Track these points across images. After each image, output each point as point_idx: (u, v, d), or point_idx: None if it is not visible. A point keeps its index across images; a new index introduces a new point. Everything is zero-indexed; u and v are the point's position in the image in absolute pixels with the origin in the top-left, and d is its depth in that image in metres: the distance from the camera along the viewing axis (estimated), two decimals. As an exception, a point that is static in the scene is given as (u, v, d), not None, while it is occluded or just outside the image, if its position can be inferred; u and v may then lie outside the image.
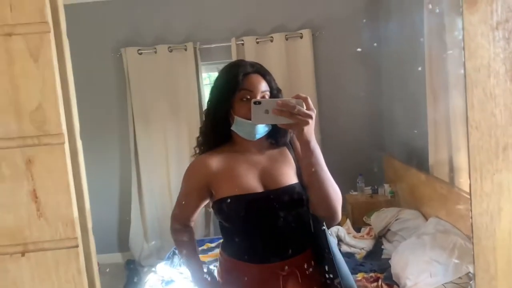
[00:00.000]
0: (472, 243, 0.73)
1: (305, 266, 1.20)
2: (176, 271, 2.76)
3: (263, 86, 1.19)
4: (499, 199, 0.73)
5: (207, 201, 1.30)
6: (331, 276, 1.18)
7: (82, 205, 0.69)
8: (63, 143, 0.65)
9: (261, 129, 1.19)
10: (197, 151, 1.31)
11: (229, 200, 1.17)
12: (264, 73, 1.22)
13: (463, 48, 0.70)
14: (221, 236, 1.31)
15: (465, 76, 0.71)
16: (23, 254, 0.66)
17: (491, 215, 0.73)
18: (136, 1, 3.82)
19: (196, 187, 1.26)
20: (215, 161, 1.23)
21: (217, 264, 1.35)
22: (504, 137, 0.72)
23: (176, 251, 1.59)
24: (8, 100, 0.62)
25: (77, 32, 3.50)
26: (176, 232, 1.37)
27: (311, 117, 1.04)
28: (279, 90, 1.25)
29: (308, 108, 1.04)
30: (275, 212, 1.18)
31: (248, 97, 1.17)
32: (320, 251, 1.21)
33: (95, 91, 3.69)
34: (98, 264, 0.77)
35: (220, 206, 1.20)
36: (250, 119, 1.10)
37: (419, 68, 2.78)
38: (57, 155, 0.65)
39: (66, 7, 0.68)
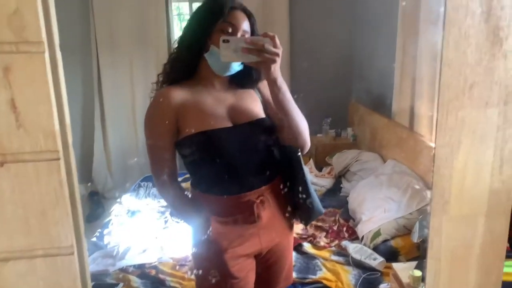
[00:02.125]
0: (432, 171, 0.80)
1: (277, 191, 1.26)
2: (142, 202, 2.81)
3: (246, 25, 1.18)
4: (460, 133, 0.79)
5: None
6: (304, 196, 1.25)
7: (62, 118, 0.68)
8: (43, 52, 0.63)
9: (234, 66, 1.18)
10: (160, 80, 1.25)
11: (198, 136, 1.16)
12: (250, 14, 1.21)
13: (446, -14, 0.72)
14: (185, 171, 1.28)
15: (444, 15, 0.73)
16: (1, 164, 0.66)
17: (452, 148, 0.79)
18: None
19: (163, 124, 1.19)
20: (179, 95, 1.19)
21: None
22: (472, 75, 0.76)
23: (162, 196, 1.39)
24: (-17, 2, 0.59)
25: None
26: (164, 189, 1.27)
27: (278, 55, 1.06)
28: (258, 35, 1.21)
29: (275, 47, 1.06)
30: (245, 146, 1.21)
31: (230, 30, 1.15)
32: (292, 176, 1.27)
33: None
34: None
35: (187, 143, 1.18)
36: None
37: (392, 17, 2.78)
38: (37, 64, 0.63)
39: None
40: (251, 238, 1.24)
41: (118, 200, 2.90)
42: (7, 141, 0.65)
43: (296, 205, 1.30)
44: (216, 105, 1.21)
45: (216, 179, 1.22)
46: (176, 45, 1.24)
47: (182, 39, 1.23)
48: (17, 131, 0.65)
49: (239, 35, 1.15)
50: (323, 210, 1.34)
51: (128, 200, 2.82)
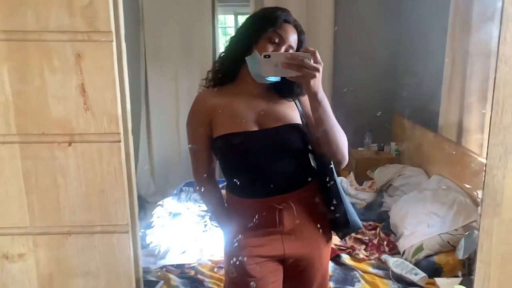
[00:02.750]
0: (485, 171, 0.78)
1: (307, 199, 1.26)
2: (183, 206, 2.88)
3: (294, 40, 1.20)
4: (515, 132, 0.77)
5: None
6: (338, 208, 1.25)
7: (124, 104, 0.74)
8: (112, 41, 0.69)
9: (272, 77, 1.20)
10: (205, 84, 1.31)
11: (221, 138, 1.20)
12: (301, 32, 1.24)
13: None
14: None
15: (502, 10, 0.72)
16: (69, 144, 0.72)
17: (506, 147, 0.77)
18: None
19: (199, 124, 1.25)
20: (215, 99, 1.24)
21: None
22: (530, 73, 0.74)
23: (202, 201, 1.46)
24: (62, -6, 0.65)
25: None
26: (202, 193, 1.34)
27: (318, 70, 1.07)
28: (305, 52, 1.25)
29: (316, 62, 1.07)
30: (269, 150, 1.22)
31: (277, 40, 1.18)
32: (325, 186, 1.27)
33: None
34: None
35: (215, 145, 1.23)
36: None
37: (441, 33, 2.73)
38: (105, 52, 0.69)
39: None
40: (272, 242, 1.24)
41: (161, 203, 2.98)
42: (76, 123, 0.71)
43: (331, 216, 1.29)
44: (247, 109, 1.23)
45: (240, 182, 1.24)
46: (226, 46, 1.29)
47: (230, 42, 1.28)
48: (85, 114, 0.71)
49: (284, 47, 1.18)
50: (361, 225, 1.33)
51: (170, 204, 2.90)
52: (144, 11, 3.77)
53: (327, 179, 1.26)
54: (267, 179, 1.23)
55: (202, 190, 1.31)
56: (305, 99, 1.27)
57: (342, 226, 1.29)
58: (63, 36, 0.67)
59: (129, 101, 0.75)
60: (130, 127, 0.76)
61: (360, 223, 1.31)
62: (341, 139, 1.21)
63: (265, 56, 1.10)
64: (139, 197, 3.93)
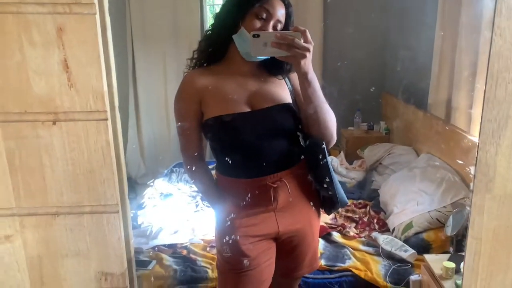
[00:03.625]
0: (478, 146, 0.78)
1: (298, 177, 1.26)
2: (174, 186, 2.87)
3: (281, 14, 1.17)
4: (508, 107, 0.76)
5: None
6: (327, 185, 1.24)
7: (110, 80, 0.71)
8: (95, 13, 0.66)
9: None
10: (191, 64, 1.28)
11: (214, 121, 1.19)
12: (288, 5, 1.20)
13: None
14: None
15: (497, -18, 0.71)
16: (54, 122, 0.69)
17: (499, 122, 0.77)
18: None
19: (188, 106, 1.23)
20: (203, 79, 1.22)
21: None
22: (525, 47, 0.73)
23: (192, 182, 1.45)
24: (41, -38, 0.61)
25: None
26: (190, 168, 1.31)
27: (308, 50, 1.05)
28: (292, 26, 1.21)
29: (306, 41, 1.05)
30: (261, 130, 1.21)
31: (264, 16, 1.15)
32: (315, 164, 1.26)
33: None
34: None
35: (207, 126, 1.22)
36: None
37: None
38: (88, 25, 0.66)
39: None
40: (267, 220, 1.24)
41: (151, 183, 2.97)
42: (59, 100, 0.68)
43: (319, 193, 1.29)
44: (238, 89, 1.21)
45: (233, 162, 1.23)
46: (211, 23, 1.24)
47: (216, 19, 1.24)
48: (69, 91, 0.68)
49: (272, 23, 1.15)
50: (347, 201, 1.34)
51: (160, 184, 2.89)
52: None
53: (320, 157, 1.25)
54: (259, 159, 1.22)
55: (193, 169, 1.30)
56: (295, 76, 1.25)
57: (331, 202, 1.30)
58: (42, 9, 0.64)
59: (115, 77, 0.73)
60: (117, 104, 0.74)
61: (346, 199, 1.32)
62: (330, 119, 1.20)
63: (254, 36, 1.08)
64: (130, 179, 3.91)
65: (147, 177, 3.89)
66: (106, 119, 0.70)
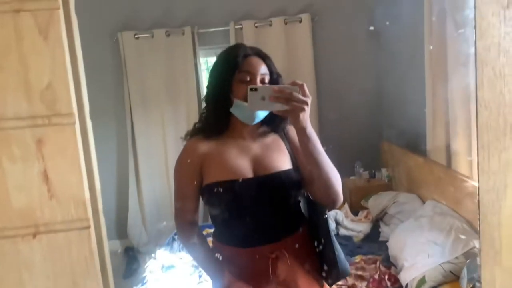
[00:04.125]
0: (479, 220, 0.74)
1: (300, 246, 1.22)
2: (176, 256, 2.78)
3: (263, 68, 1.18)
4: (505, 176, 0.73)
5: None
6: (329, 254, 1.21)
7: (92, 185, 0.69)
8: (74, 123, 0.65)
9: (260, 113, 1.18)
10: (188, 135, 1.29)
11: (216, 186, 1.17)
12: (264, 57, 1.21)
13: (474, 27, 0.70)
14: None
15: (475, 55, 0.71)
16: (34, 235, 0.66)
17: (497, 192, 0.74)
18: (131, -15, 3.75)
19: (189, 172, 1.23)
20: (205, 145, 1.23)
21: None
22: (512, 115, 0.72)
23: (186, 251, 1.45)
24: (18, 79, 0.62)
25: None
26: (184, 236, 1.30)
27: (306, 103, 1.05)
28: (279, 75, 1.23)
29: (304, 95, 1.05)
30: (262, 198, 1.19)
31: (248, 79, 1.16)
32: (316, 232, 1.23)
33: (91, 75, 3.59)
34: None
35: (207, 192, 1.20)
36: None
37: (418, 56, 2.77)
38: (68, 135, 0.65)
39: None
40: None
41: (153, 255, 2.88)
42: (40, 212, 0.66)
43: (321, 262, 1.25)
44: (240, 154, 1.21)
45: (232, 230, 1.21)
46: (204, 104, 1.26)
47: (207, 98, 1.25)
48: (49, 202, 0.66)
49: (258, 80, 1.16)
50: (349, 270, 1.28)
51: (162, 255, 2.80)
52: (127, 60, 3.77)
53: (322, 227, 1.22)
54: (259, 227, 1.19)
55: (189, 240, 1.27)
56: (292, 130, 1.26)
57: (333, 272, 1.24)
58: (22, 123, 0.63)
59: (99, 181, 0.71)
60: (101, 209, 0.71)
61: (348, 269, 1.27)
62: (334, 175, 1.16)
63: (251, 89, 1.07)
64: (132, 249, 3.82)
65: (150, 245, 3.80)
66: (89, 227, 0.67)
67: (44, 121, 0.64)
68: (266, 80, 1.19)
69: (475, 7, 0.67)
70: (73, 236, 0.66)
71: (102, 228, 0.70)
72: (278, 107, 1.06)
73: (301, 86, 1.05)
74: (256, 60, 1.19)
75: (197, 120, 1.30)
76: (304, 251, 1.23)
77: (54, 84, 0.64)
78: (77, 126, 0.66)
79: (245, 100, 1.13)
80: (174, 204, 1.29)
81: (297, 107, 1.04)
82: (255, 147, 1.23)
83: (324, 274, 1.26)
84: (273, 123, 1.24)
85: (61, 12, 0.62)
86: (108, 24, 3.76)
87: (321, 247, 1.23)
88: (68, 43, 0.64)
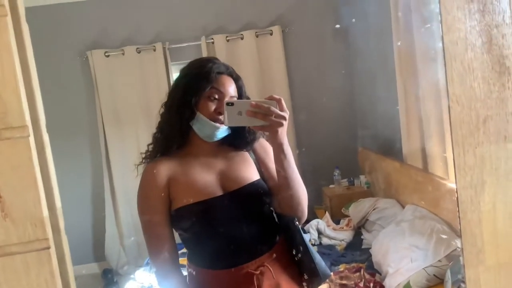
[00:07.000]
0: (459, 217, 0.73)
1: (281, 258, 1.18)
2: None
3: (233, 89, 1.15)
4: (482, 171, 0.72)
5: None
6: (306, 259, 1.18)
7: (52, 203, 0.64)
8: (28, 136, 0.60)
9: (222, 131, 1.13)
10: (147, 156, 1.21)
11: (186, 210, 1.11)
12: (237, 78, 1.18)
13: (441, 22, 0.69)
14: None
15: (443, 50, 0.70)
16: (-12, 259, 0.61)
17: (475, 188, 0.73)
18: (101, 3, 3.71)
19: (157, 199, 1.13)
20: (166, 166, 1.15)
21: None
22: (484, 109, 0.71)
23: None
24: (-39, 91, 0.57)
25: (41, 34, 3.40)
26: (163, 280, 1.17)
27: (284, 118, 1.02)
28: (247, 98, 1.19)
29: (282, 110, 1.02)
30: (237, 214, 1.14)
31: (216, 96, 1.12)
32: (291, 241, 1.21)
33: (62, 95, 3.57)
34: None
35: (178, 218, 1.13)
36: (213, 120, 1.10)
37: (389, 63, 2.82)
38: (21, 149, 0.60)
39: (31, 9, 0.62)
40: None
41: (132, 276, 2.79)
42: (-7, 234, 0.60)
43: (301, 269, 1.21)
44: (205, 172, 1.15)
45: (209, 253, 1.15)
46: (163, 112, 1.19)
47: (169, 106, 1.17)
48: (3, 222, 0.61)
49: (226, 99, 1.12)
50: (330, 272, 1.26)
51: (141, 276, 2.71)
52: (97, 77, 3.70)
53: (294, 234, 1.19)
54: (240, 245, 1.14)
55: (162, 277, 1.16)
56: (259, 146, 1.23)
57: (313, 277, 1.21)
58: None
59: (59, 197, 0.66)
60: (62, 226, 0.66)
61: (328, 271, 1.24)
62: (303, 193, 1.15)
63: (228, 104, 1.03)
64: (110, 271, 3.68)
65: (129, 266, 3.68)
66: (49, 247, 0.62)
67: (-6, 135, 0.59)
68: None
69: (439, 1, 0.67)
70: (31, 258, 0.61)
71: (64, 248, 0.65)
72: (255, 122, 1.03)
73: (279, 101, 1.02)
74: (228, 79, 1.15)
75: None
76: (285, 261, 1.20)
77: (3, 95, 0.59)
78: (32, 140, 0.61)
79: (209, 117, 1.10)
80: (147, 242, 1.16)
81: (275, 122, 1.01)
82: (219, 162, 1.18)
83: (305, 284, 1.23)
84: (239, 141, 1.19)
85: (9, 19, 0.58)
86: (77, 42, 3.70)
87: (299, 255, 1.20)
88: (18, 52, 0.60)
